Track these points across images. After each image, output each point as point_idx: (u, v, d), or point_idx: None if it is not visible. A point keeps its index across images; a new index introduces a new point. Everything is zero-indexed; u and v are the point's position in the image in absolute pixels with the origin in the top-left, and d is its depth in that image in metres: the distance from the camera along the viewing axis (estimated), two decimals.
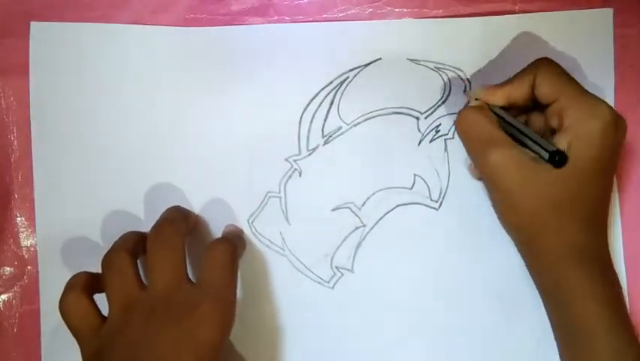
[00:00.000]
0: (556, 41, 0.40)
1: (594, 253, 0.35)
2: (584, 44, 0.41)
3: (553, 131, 0.35)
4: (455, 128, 0.37)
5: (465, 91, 0.40)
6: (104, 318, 0.35)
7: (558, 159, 0.33)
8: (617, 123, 0.34)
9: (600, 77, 0.41)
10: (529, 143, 0.35)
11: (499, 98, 0.36)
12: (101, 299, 0.35)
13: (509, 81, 0.36)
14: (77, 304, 0.34)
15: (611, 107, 0.34)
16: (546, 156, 0.34)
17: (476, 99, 0.37)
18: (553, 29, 0.40)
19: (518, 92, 0.36)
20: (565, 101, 0.34)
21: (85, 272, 0.36)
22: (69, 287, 0.35)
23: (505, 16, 0.40)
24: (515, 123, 0.36)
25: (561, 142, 0.34)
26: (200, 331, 0.33)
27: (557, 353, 0.36)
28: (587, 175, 0.34)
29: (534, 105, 0.37)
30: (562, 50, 0.40)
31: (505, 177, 0.34)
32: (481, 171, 0.35)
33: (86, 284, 0.35)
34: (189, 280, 0.35)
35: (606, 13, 0.41)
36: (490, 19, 0.40)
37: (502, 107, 0.36)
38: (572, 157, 0.33)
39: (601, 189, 0.35)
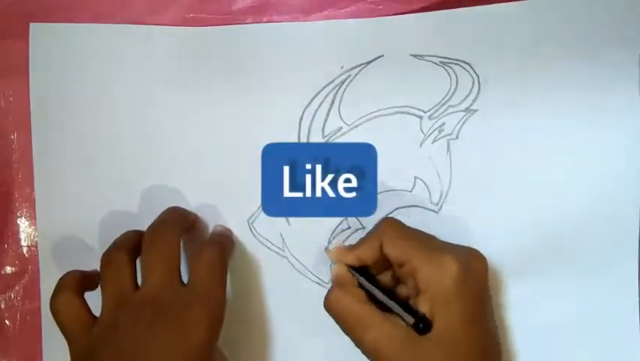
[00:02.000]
0: (570, 29, 0.39)
1: None
2: (602, 29, 0.39)
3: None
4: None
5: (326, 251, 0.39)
6: (95, 318, 0.35)
7: (422, 327, 0.33)
8: (467, 269, 0.33)
9: (619, 71, 0.39)
10: (395, 310, 0.34)
11: (351, 260, 0.36)
12: (96, 299, 0.35)
13: (358, 244, 0.37)
14: (68, 303, 0.35)
15: (456, 256, 0.33)
16: (411, 323, 0.33)
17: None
18: (567, 14, 0.39)
19: (368, 255, 0.36)
20: (413, 263, 0.34)
21: (76, 271, 0.36)
22: (60, 287, 0.35)
23: (512, 2, 0.39)
24: (376, 294, 0.35)
25: (423, 305, 0.33)
26: (188, 332, 0.33)
27: None
28: (454, 334, 0.33)
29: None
30: (576, 39, 0.39)
31: (383, 356, 0.33)
32: (362, 351, 0.34)
33: (78, 283, 0.35)
34: (182, 281, 0.35)
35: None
36: (498, 7, 0.39)
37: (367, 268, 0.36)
38: (438, 319, 0.33)
39: (475, 340, 0.33)
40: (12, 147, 0.41)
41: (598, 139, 0.39)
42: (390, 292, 0.35)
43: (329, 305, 0.35)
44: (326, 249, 0.40)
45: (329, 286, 0.40)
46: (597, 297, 0.40)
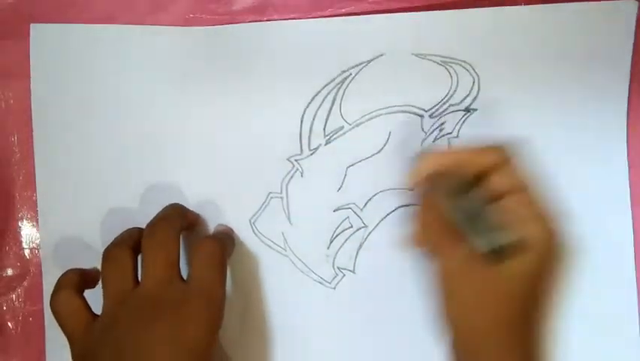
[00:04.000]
0: (570, 34, 0.39)
1: None
2: (601, 38, 0.39)
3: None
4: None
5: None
6: (95, 316, 0.35)
7: (496, 256, 0.33)
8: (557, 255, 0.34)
9: (614, 74, 0.40)
10: (480, 230, 0.33)
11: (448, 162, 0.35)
12: (95, 298, 0.35)
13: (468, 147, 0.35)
14: (68, 302, 0.35)
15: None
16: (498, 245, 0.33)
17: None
18: (568, 21, 0.39)
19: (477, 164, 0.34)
20: (516, 198, 0.33)
21: (75, 269, 0.36)
22: (60, 285, 0.35)
23: (517, 7, 0.39)
24: (469, 211, 0.34)
25: (507, 238, 0.33)
26: (187, 328, 0.33)
27: None
28: (530, 283, 0.33)
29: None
30: (576, 43, 0.39)
31: (455, 285, 0.34)
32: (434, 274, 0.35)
33: (77, 281, 0.35)
34: (181, 278, 0.35)
35: (629, 6, 0.39)
36: (501, 10, 0.39)
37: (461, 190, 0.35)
38: (516, 258, 0.33)
39: (540, 293, 0.34)
40: (12, 149, 0.41)
41: (592, 138, 0.40)
42: (475, 217, 0.34)
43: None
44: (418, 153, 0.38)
45: (331, 285, 0.41)
46: (597, 297, 0.40)
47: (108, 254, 0.36)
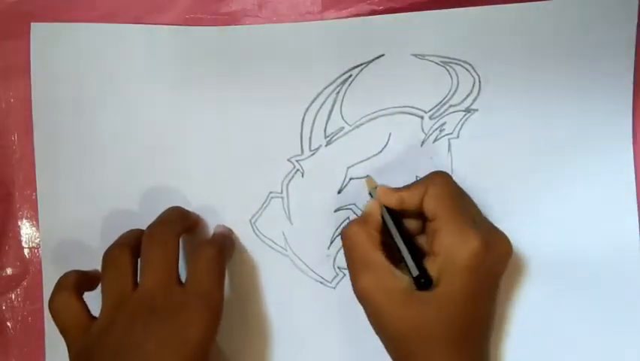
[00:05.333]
0: (572, 32, 0.39)
1: None
2: (603, 35, 0.39)
3: None
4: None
5: (366, 179, 0.40)
6: (93, 318, 0.35)
7: (423, 282, 0.34)
8: (488, 249, 0.33)
9: (616, 71, 0.39)
10: (405, 256, 0.35)
11: (392, 202, 0.36)
12: (94, 299, 0.36)
13: (406, 187, 0.37)
14: (67, 303, 0.35)
15: (482, 234, 0.33)
16: (414, 276, 0.34)
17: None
18: (570, 18, 0.39)
19: (411, 200, 0.36)
20: (439, 223, 0.34)
21: (75, 271, 0.36)
22: (59, 287, 0.35)
23: (517, 4, 0.39)
24: (395, 238, 0.36)
25: (433, 265, 0.34)
26: (185, 331, 0.33)
27: None
28: (454, 302, 0.33)
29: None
30: (577, 41, 0.39)
31: (371, 302, 0.34)
32: (354, 290, 0.35)
33: (76, 283, 0.35)
34: (180, 281, 0.35)
35: (630, 3, 0.38)
36: (501, 8, 0.39)
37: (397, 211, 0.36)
38: (441, 282, 0.33)
39: (472, 314, 0.34)
40: (13, 148, 0.40)
41: (596, 137, 0.40)
42: (408, 241, 0.36)
43: (344, 235, 0.36)
44: (367, 177, 0.40)
45: (331, 285, 0.41)
46: (597, 297, 0.40)
47: (108, 256, 0.36)
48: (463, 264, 0.33)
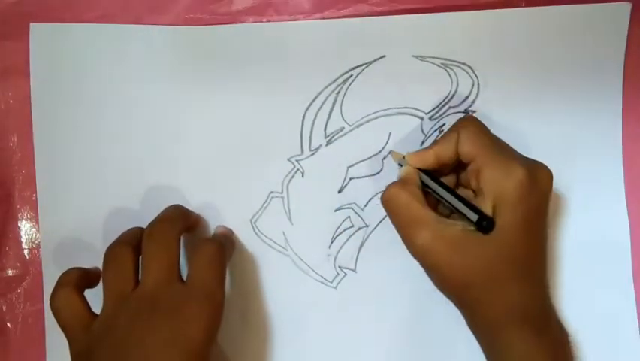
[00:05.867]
0: (568, 36, 0.40)
1: (536, 312, 0.35)
2: (597, 40, 0.40)
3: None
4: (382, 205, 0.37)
5: (391, 153, 0.40)
6: (94, 315, 0.35)
7: (485, 224, 0.33)
8: (533, 178, 0.33)
9: (609, 75, 0.40)
10: (460, 207, 0.35)
11: (429, 163, 0.36)
12: (95, 296, 0.36)
13: (436, 142, 0.37)
14: (68, 301, 0.35)
15: (525, 164, 0.34)
16: (474, 220, 0.34)
17: (400, 164, 0.38)
18: (565, 23, 0.40)
19: (446, 153, 0.36)
20: (480, 161, 0.34)
21: (76, 268, 0.36)
22: (60, 284, 0.35)
23: (516, 9, 0.39)
24: (442, 193, 0.35)
25: (485, 205, 0.34)
26: (186, 330, 0.33)
27: None
28: (513, 236, 0.33)
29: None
30: (572, 45, 0.40)
31: (432, 257, 0.34)
32: (410, 251, 0.35)
33: (77, 280, 0.35)
34: (181, 279, 0.35)
35: (623, 8, 0.40)
36: (501, 12, 0.39)
37: (433, 171, 0.36)
38: (496, 220, 0.33)
39: (531, 246, 0.34)
40: (12, 149, 0.40)
41: (589, 139, 0.41)
42: (453, 193, 0.35)
43: (387, 199, 0.36)
44: (391, 152, 0.40)
45: (332, 284, 0.41)
46: (597, 297, 0.41)
47: (109, 253, 0.36)
48: (513, 194, 0.33)
